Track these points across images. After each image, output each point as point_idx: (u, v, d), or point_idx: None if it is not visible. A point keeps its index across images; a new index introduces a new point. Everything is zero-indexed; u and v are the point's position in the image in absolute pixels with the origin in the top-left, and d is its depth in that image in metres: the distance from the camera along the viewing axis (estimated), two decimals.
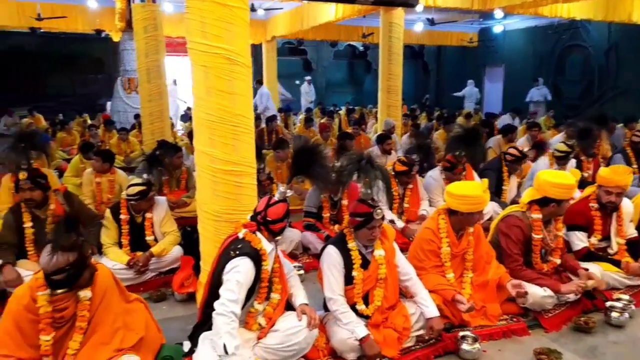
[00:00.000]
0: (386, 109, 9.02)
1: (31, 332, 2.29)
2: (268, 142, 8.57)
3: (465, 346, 2.81)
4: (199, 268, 3.36)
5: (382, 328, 2.79)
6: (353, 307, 2.79)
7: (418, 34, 13.77)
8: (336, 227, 4.46)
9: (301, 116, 12.94)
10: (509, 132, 7.05)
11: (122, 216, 3.86)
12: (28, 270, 3.40)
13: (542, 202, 3.28)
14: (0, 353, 2.25)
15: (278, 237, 2.68)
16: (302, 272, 3.93)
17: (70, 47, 15.57)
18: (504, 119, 10.85)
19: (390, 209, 4.70)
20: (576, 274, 3.36)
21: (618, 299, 3.32)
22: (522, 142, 7.04)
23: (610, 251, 3.70)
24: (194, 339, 2.61)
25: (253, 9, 10.49)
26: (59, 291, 2.27)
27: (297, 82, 17.07)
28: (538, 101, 13.28)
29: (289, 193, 2.73)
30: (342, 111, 13.68)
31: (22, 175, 3.62)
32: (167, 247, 3.91)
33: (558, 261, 3.41)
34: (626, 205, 3.72)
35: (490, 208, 4.66)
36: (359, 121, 9.84)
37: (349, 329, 2.67)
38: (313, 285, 3.41)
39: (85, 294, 2.35)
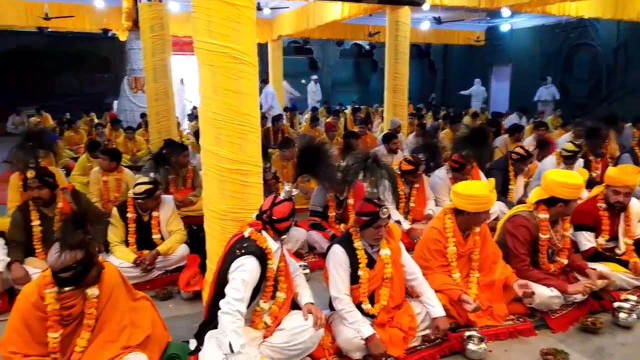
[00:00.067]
0: (392, 108, 8.97)
1: (39, 329, 2.30)
2: (274, 141, 8.57)
3: (471, 346, 2.80)
4: (205, 266, 3.37)
5: (387, 327, 2.79)
6: (359, 306, 2.79)
7: (424, 32, 13.74)
8: (342, 226, 4.47)
9: (307, 115, 12.94)
10: (516, 131, 7.02)
11: (128, 215, 3.88)
12: (36, 268, 3.44)
13: (550, 202, 3.26)
14: (9, 350, 2.27)
15: (284, 236, 2.68)
16: (307, 271, 3.93)
17: (77, 47, 15.68)
18: (512, 119, 10.80)
19: (397, 208, 4.69)
20: (583, 274, 3.34)
21: (626, 300, 3.30)
22: (529, 142, 6.99)
23: (618, 251, 3.68)
24: (200, 337, 2.63)
25: (259, 8, 10.48)
26: (67, 289, 2.28)
27: (303, 81, 17.05)
28: (546, 100, 13.17)
29: (295, 192, 2.73)
30: (348, 110, 13.65)
31: (30, 173, 3.65)
32: (173, 245, 3.93)
33: (565, 261, 3.39)
34: (634, 205, 3.70)
35: (497, 208, 4.64)
36: (364, 120, 9.83)
37: (355, 328, 2.67)
38: (319, 284, 3.42)
39: (92, 291, 2.36)
